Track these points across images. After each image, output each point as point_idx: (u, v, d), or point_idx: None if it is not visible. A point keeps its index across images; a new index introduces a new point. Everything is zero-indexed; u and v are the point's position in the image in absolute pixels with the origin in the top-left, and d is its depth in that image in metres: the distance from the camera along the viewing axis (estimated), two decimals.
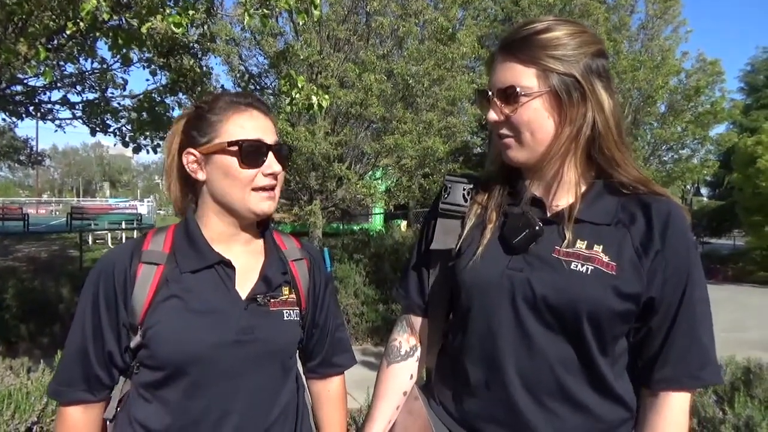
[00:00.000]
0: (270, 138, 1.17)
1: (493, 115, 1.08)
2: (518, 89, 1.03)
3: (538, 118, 1.05)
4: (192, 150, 1.16)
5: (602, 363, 1.03)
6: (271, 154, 1.16)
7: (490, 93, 1.08)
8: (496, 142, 1.12)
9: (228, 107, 1.16)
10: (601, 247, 1.03)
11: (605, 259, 1.02)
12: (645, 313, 1.04)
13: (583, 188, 1.09)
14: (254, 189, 1.15)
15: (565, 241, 1.05)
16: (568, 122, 1.04)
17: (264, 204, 1.16)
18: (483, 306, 1.08)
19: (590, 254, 1.03)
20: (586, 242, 1.04)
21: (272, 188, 1.18)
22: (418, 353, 1.27)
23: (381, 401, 1.24)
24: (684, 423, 1.03)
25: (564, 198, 1.10)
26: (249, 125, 1.15)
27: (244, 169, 1.13)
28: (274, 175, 1.17)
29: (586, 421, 1.05)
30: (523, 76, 1.04)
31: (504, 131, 1.08)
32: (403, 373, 1.25)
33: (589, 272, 1.01)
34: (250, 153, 1.13)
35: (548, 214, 1.10)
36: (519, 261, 1.07)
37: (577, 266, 1.02)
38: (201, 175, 1.17)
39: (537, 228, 1.07)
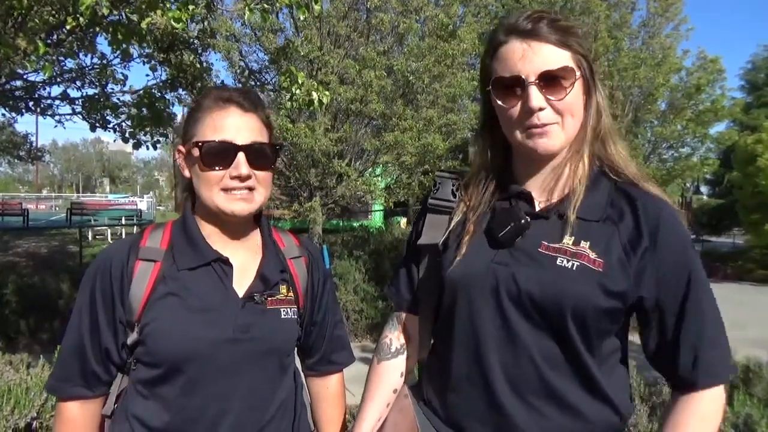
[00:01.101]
0: (243, 138, 1.12)
1: (539, 101, 1.00)
2: (576, 71, 1.01)
3: (578, 103, 1.04)
4: (180, 147, 1.18)
5: (589, 361, 1.01)
6: (240, 155, 1.11)
7: (524, 78, 1.00)
8: (517, 133, 1.05)
9: (210, 104, 1.14)
10: (588, 243, 1.01)
11: (592, 255, 1.00)
12: (644, 315, 1.02)
13: (580, 183, 1.07)
14: (223, 189, 1.12)
15: (553, 237, 1.03)
16: (590, 110, 1.05)
17: (235, 205, 1.12)
18: (467, 300, 1.06)
19: (577, 250, 1.01)
20: (573, 238, 1.02)
21: (246, 190, 1.13)
22: (408, 350, 1.25)
23: (371, 399, 1.23)
24: (713, 418, 1.00)
25: (555, 192, 1.08)
26: (221, 124, 1.12)
27: (205, 171, 1.11)
28: (241, 178, 1.11)
29: (573, 421, 1.02)
30: (567, 60, 1.02)
31: (545, 118, 1.01)
32: (394, 371, 1.24)
33: (574, 268, 0.99)
34: (212, 154, 1.10)
35: (536, 209, 1.08)
36: (504, 255, 1.05)
37: (563, 262, 1.00)
38: (187, 172, 1.18)
39: (523, 222, 1.05)
